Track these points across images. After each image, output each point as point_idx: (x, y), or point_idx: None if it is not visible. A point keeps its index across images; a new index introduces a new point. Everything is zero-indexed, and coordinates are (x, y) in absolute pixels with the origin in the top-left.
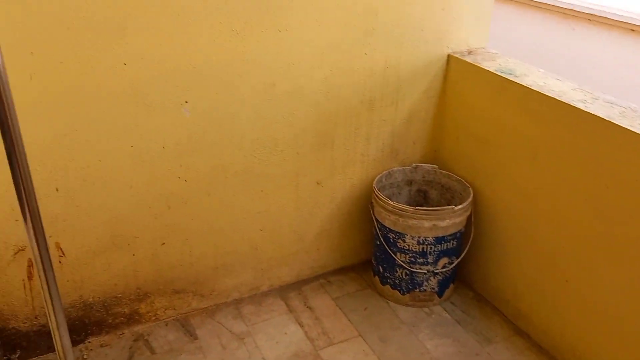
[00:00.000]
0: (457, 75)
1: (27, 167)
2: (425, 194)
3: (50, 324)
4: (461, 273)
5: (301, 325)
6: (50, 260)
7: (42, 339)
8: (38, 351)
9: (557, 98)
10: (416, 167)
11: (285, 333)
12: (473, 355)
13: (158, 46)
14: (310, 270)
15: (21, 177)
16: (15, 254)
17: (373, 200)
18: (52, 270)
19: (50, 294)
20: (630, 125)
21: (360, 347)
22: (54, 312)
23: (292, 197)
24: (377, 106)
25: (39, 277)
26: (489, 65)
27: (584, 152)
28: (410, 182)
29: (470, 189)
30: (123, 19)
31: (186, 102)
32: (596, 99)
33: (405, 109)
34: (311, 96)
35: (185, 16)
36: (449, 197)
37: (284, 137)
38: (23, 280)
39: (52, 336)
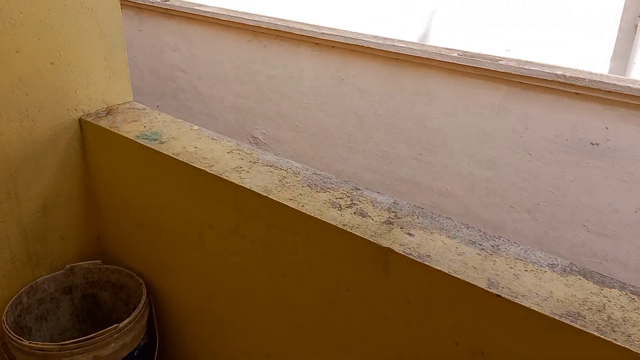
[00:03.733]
0: (96, 145)
1: None
2: (94, 298)
3: None
4: None
5: None
6: None
7: None
8: None
9: (208, 170)
10: (72, 268)
11: None
12: None
13: None
14: None
15: None
16: None
17: (7, 341)
18: None
19: None
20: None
21: None
22: None
23: None
24: None
25: None
26: (130, 130)
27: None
28: (69, 290)
29: (144, 285)
30: None
31: None
32: (254, 162)
33: (34, 198)
34: None
35: None
36: (124, 296)
37: None
38: None
39: None
